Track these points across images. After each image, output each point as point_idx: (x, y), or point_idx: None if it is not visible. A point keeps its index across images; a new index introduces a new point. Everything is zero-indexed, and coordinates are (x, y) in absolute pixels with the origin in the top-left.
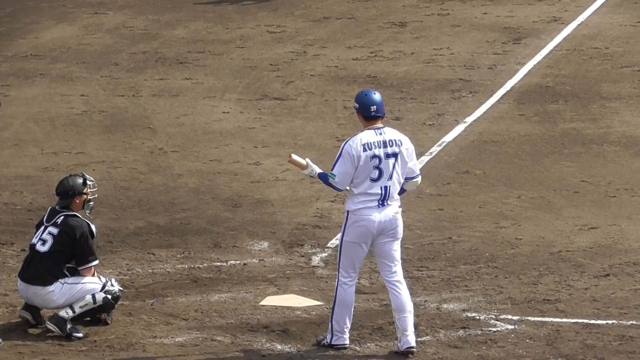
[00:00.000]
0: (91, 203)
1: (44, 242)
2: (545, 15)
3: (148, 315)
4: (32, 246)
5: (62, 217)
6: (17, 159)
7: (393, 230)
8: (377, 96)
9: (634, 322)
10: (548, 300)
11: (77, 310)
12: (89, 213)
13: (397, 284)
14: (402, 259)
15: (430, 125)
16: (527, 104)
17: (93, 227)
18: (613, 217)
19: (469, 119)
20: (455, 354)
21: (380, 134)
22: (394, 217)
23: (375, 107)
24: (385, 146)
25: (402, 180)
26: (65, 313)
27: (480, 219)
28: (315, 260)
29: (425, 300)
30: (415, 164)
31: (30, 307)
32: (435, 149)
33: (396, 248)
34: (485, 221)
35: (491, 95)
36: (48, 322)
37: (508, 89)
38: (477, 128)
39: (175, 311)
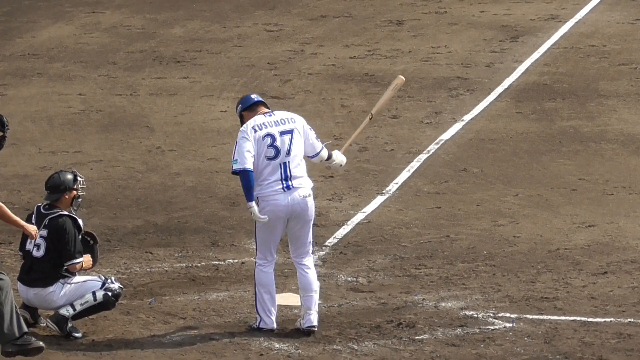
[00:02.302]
0: (79, 200)
1: (38, 247)
2: (543, 13)
3: (146, 314)
4: (28, 252)
5: (47, 220)
6: (14, 157)
7: (303, 213)
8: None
9: (632, 320)
10: (546, 298)
11: (78, 308)
12: (76, 209)
13: (305, 264)
14: (399, 257)
15: (427, 123)
16: (525, 102)
17: (80, 221)
18: (611, 214)
19: (467, 117)
20: (453, 352)
21: (270, 115)
22: (304, 200)
23: (255, 95)
24: (277, 124)
25: (302, 157)
26: (66, 311)
27: (478, 217)
28: (313, 258)
29: (423, 299)
30: (315, 139)
31: (29, 307)
32: (432, 147)
33: (307, 230)
34: (483, 219)
35: (489, 94)
36: (48, 321)
37: (506, 87)
38: (474, 126)
39: (173, 310)
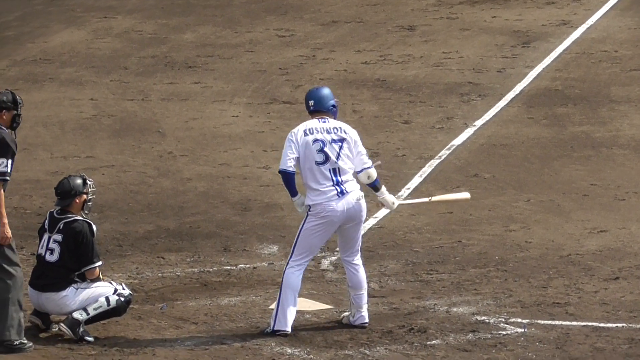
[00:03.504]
0: (90, 203)
1: (51, 251)
2: (554, 18)
3: (158, 319)
4: (41, 257)
5: (63, 224)
6: (26, 163)
7: (357, 215)
8: (319, 92)
9: None
10: (558, 303)
11: (91, 312)
12: (87, 213)
13: (356, 263)
14: (411, 262)
15: (439, 128)
16: (537, 107)
17: (94, 226)
18: (622, 220)
19: (478, 123)
20: (464, 357)
21: (324, 122)
22: (357, 203)
23: (312, 101)
24: (329, 132)
25: (353, 166)
26: (80, 315)
27: (490, 223)
28: (325, 263)
29: (435, 304)
30: (365, 155)
31: (40, 312)
32: (444, 153)
33: (359, 230)
34: (494, 224)
35: (500, 99)
36: (61, 325)
37: (517, 92)
38: (486, 131)
39: (185, 315)
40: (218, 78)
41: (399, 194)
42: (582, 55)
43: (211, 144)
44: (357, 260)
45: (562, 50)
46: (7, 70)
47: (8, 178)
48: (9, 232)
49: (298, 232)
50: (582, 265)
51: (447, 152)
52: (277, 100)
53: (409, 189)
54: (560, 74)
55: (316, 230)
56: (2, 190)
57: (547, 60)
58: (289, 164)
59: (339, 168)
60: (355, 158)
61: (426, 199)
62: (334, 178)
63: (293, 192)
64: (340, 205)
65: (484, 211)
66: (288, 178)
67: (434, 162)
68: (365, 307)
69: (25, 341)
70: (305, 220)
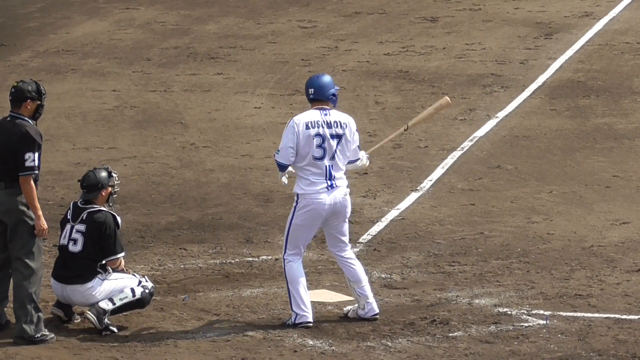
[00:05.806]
0: (115, 196)
1: (75, 241)
2: (577, 10)
3: (180, 311)
4: (64, 247)
5: (86, 214)
6: (49, 154)
7: (343, 210)
8: (320, 80)
9: None
10: (580, 295)
11: (117, 302)
12: (111, 206)
13: (349, 258)
14: (433, 254)
15: (462, 120)
16: (559, 98)
17: (119, 218)
18: None
19: (501, 114)
20: (486, 349)
21: (325, 114)
22: (344, 199)
23: (312, 89)
24: (329, 127)
25: (345, 162)
26: (106, 304)
27: (512, 214)
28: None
29: (457, 296)
30: (357, 148)
31: (63, 304)
32: (467, 144)
33: (345, 225)
34: (517, 216)
35: (523, 90)
36: (88, 312)
37: (540, 84)
38: (508, 123)
39: (207, 306)
40: (240, 69)
41: (421, 185)
42: (605, 46)
43: (233, 135)
44: (349, 254)
45: (585, 41)
46: (29, 62)
47: (37, 172)
48: (45, 224)
49: (287, 227)
50: (605, 257)
51: (470, 143)
52: (299, 92)
53: (431, 180)
54: (582, 65)
55: (304, 224)
56: (33, 184)
57: (569, 52)
58: (291, 160)
59: (331, 166)
60: (349, 151)
61: (401, 129)
62: (327, 173)
63: (284, 169)
64: (329, 198)
65: (506, 203)
66: (282, 169)
67: (456, 154)
68: (372, 296)
69: (47, 333)
70: (292, 214)
